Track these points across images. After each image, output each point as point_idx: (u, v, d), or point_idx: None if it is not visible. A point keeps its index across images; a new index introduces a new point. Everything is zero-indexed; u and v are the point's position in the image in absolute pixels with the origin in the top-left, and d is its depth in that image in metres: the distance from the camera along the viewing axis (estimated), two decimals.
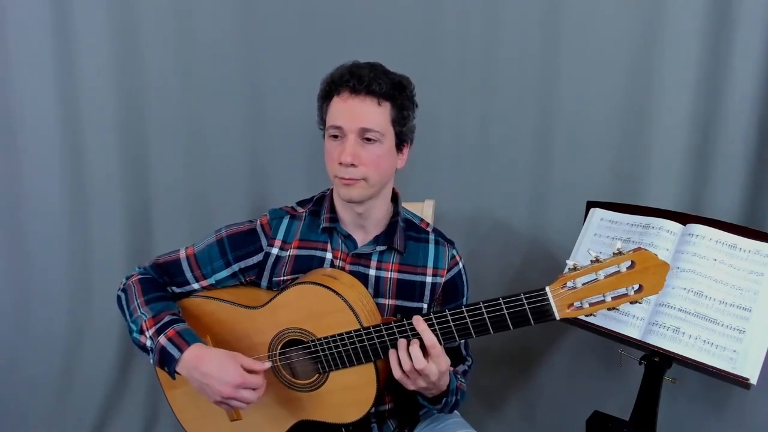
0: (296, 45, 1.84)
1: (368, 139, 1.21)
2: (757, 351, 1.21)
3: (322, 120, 1.28)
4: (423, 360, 1.12)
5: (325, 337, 1.20)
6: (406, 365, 1.13)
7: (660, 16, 1.67)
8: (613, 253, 1.04)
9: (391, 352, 1.16)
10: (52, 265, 1.98)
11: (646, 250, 1.03)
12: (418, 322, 1.13)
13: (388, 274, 1.30)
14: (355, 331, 1.18)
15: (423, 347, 1.13)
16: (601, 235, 1.47)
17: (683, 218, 1.39)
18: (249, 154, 1.90)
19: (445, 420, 1.40)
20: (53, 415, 2.04)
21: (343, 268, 1.30)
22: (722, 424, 1.77)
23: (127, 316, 1.28)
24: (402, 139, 1.27)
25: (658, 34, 1.68)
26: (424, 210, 1.61)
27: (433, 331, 1.14)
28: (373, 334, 1.17)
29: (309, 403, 1.25)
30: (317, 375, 1.24)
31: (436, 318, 1.14)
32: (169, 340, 1.19)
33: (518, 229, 1.88)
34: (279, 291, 1.26)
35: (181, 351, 1.18)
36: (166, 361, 1.19)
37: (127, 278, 1.34)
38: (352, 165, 1.20)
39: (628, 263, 1.03)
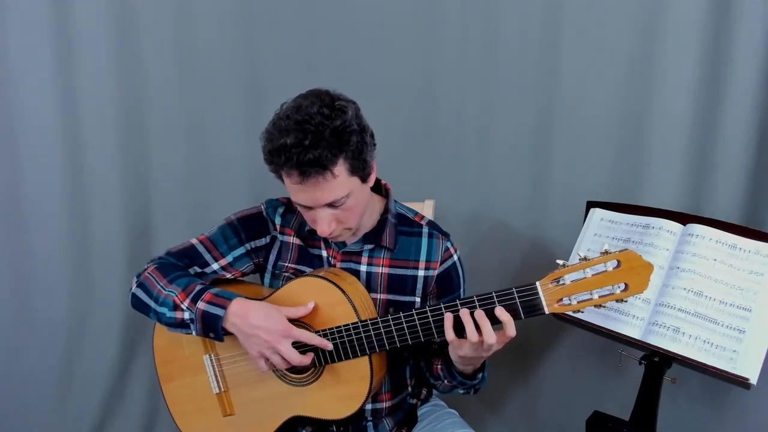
0: (296, 42, 1.84)
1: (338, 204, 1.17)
2: (757, 351, 1.21)
3: (279, 178, 1.18)
4: (494, 335, 1.10)
5: (323, 330, 1.20)
6: (474, 337, 1.09)
7: (660, 16, 1.67)
8: (601, 253, 1.08)
9: (448, 326, 1.12)
10: (53, 263, 1.98)
11: (631, 250, 1.06)
12: (502, 313, 1.10)
13: (380, 270, 1.30)
14: (353, 324, 1.18)
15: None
16: (601, 235, 1.47)
17: (683, 218, 1.39)
18: (249, 154, 1.90)
19: (443, 420, 1.41)
20: (53, 415, 2.05)
21: (334, 265, 1.31)
22: (722, 424, 1.77)
23: (153, 304, 1.26)
24: (367, 173, 1.18)
25: (658, 33, 1.68)
26: (424, 210, 1.61)
27: (427, 323, 1.15)
28: (370, 328, 1.18)
29: (302, 398, 1.26)
30: (312, 369, 1.25)
31: (431, 311, 1.15)
32: (209, 303, 1.20)
33: (518, 229, 1.88)
34: (281, 285, 1.28)
35: (224, 308, 1.18)
36: (211, 324, 1.19)
37: (138, 275, 1.32)
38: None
39: (614, 263, 1.07)
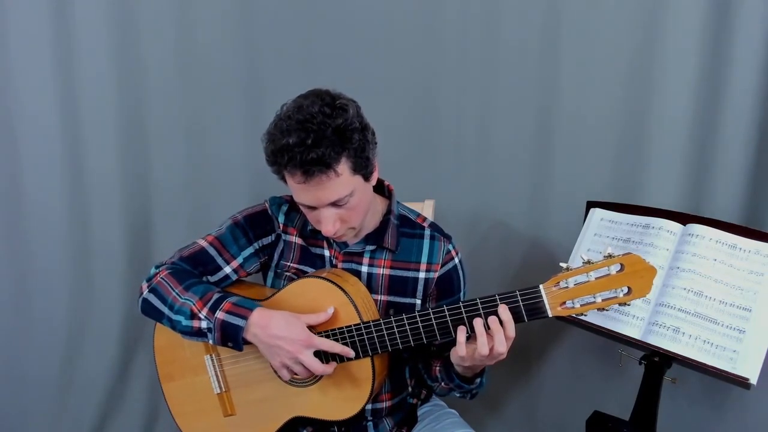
0: (296, 43, 1.84)
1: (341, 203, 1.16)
2: (757, 351, 1.21)
3: (282, 179, 1.18)
4: (505, 343, 1.10)
5: (326, 331, 1.20)
6: (485, 350, 1.09)
7: (660, 16, 1.67)
8: (604, 256, 1.07)
9: (461, 341, 1.12)
10: (53, 263, 1.98)
11: (634, 254, 1.06)
12: (504, 312, 1.10)
13: (381, 271, 1.30)
14: (356, 325, 1.18)
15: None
16: (601, 235, 1.47)
17: (683, 218, 1.39)
18: (249, 154, 1.90)
19: (443, 420, 1.41)
20: (53, 415, 2.05)
21: (335, 266, 1.30)
22: (722, 424, 1.77)
23: (167, 311, 1.24)
24: (369, 171, 1.18)
25: (658, 33, 1.68)
26: (424, 210, 1.61)
27: (429, 325, 1.15)
28: (373, 330, 1.17)
29: (303, 399, 1.26)
30: None
31: (433, 313, 1.15)
32: (228, 312, 1.19)
33: (518, 229, 1.88)
34: (283, 284, 1.28)
35: (245, 318, 1.17)
36: (231, 334, 1.18)
37: (149, 279, 1.29)
38: None
39: (618, 266, 1.07)
